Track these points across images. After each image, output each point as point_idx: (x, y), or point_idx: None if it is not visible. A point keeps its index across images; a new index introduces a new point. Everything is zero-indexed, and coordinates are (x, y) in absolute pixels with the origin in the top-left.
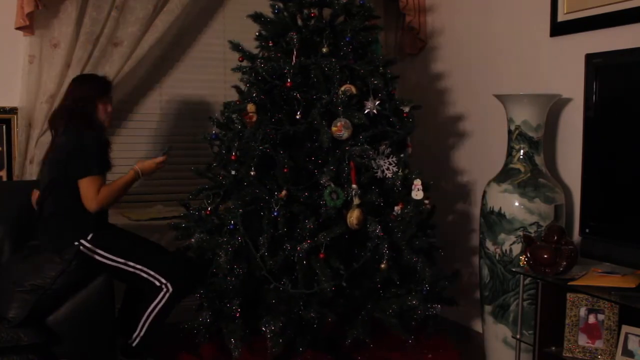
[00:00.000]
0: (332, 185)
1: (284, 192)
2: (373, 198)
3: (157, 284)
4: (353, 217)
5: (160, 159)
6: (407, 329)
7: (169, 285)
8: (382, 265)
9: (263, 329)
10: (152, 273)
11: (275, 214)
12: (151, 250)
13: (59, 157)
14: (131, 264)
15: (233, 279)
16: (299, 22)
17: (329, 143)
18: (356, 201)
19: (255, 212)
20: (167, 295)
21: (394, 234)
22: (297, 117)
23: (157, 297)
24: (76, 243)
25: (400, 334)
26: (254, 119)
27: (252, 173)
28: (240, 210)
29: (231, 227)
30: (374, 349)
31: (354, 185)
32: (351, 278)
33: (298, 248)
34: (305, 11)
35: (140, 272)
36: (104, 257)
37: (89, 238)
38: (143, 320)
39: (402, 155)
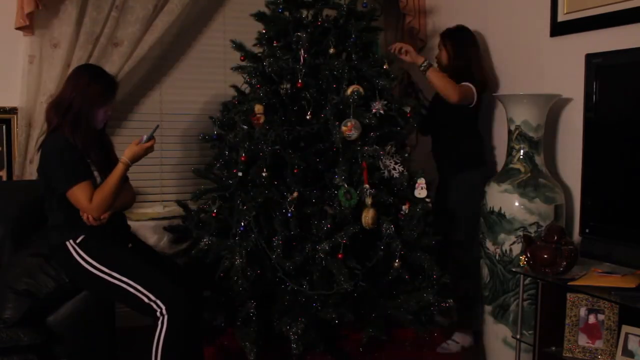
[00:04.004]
0: (346, 185)
1: (295, 194)
2: (384, 198)
3: (151, 305)
4: (369, 216)
5: (148, 144)
6: (423, 325)
7: (161, 305)
8: (395, 264)
9: (283, 330)
10: (140, 289)
11: (289, 215)
12: (146, 268)
13: (41, 162)
14: (116, 275)
15: (245, 281)
16: (304, 22)
17: (340, 143)
18: (369, 201)
19: (264, 213)
20: (165, 320)
21: (404, 233)
22: (308, 117)
23: (157, 324)
24: (67, 242)
25: (417, 330)
26: (262, 120)
27: (264, 174)
28: (254, 213)
29: (242, 229)
30: (373, 350)
31: (366, 185)
32: (365, 277)
33: (318, 248)
34: (305, 11)
35: (127, 287)
36: (88, 263)
37: (78, 240)
38: (153, 354)
39: (406, 155)
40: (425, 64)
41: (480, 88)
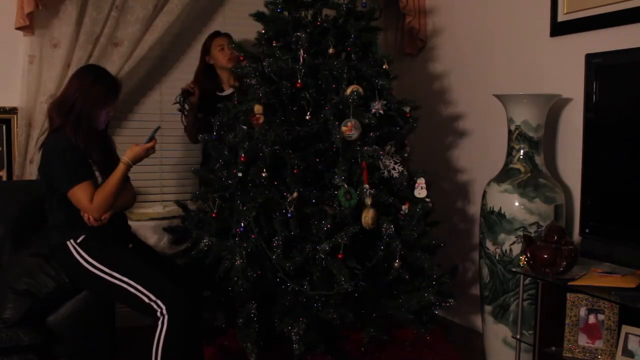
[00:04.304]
0: (346, 185)
1: (295, 194)
2: (384, 198)
3: (152, 305)
4: (369, 217)
5: (149, 144)
6: (424, 325)
7: (161, 305)
8: (395, 264)
9: (284, 331)
10: (140, 288)
11: (289, 215)
12: (146, 268)
13: (43, 162)
14: (117, 275)
15: (245, 282)
16: (303, 22)
17: (340, 143)
18: (369, 201)
19: (264, 213)
20: (166, 320)
21: (404, 233)
22: (307, 117)
23: (157, 324)
24: (67, 242)
25: (417, 331)
26: (261, 120)
27: (264, 174)
28: (254, 213)
29: (242, 229)
30: (374, 350)
31: (366, 185)
32: (365, 277)
33: (318, 248)
34: (304, 11)
35: (127, 287)
36: (88, 262)
37: (79, 240)
38: (154, 354)
39: (406, 155)
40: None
41: None
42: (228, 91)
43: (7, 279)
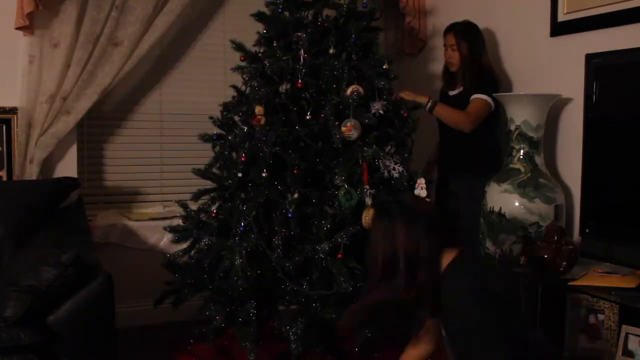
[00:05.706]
0: (346, 186)
1: (297, 195)
2: (384, 198)
3: None
4: (369, 217)
5: None
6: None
7: None
8: None
9: (283, 330)
10: None
11: (290, 215)
12: None
13: None
14: None
15: (245, 281)
16: (304, 22)
17: (340, 143)
18: (369, 201)
19: (264, 213)
20: None
21: None
22: (308, 117)
23: None
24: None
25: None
26: (262, 121)
27: (264, 174)
28: (254, 213)
29: (242, 229)
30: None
31: (366, 186)
32: (364, 277)
33: (318, 248)
34: (305, 11)
35: None
36: None
37: None
38: None
39: (406, 155)
40: (430, 103)
41: (495, 86)
42: (456, 90)
43: (9, 276)
